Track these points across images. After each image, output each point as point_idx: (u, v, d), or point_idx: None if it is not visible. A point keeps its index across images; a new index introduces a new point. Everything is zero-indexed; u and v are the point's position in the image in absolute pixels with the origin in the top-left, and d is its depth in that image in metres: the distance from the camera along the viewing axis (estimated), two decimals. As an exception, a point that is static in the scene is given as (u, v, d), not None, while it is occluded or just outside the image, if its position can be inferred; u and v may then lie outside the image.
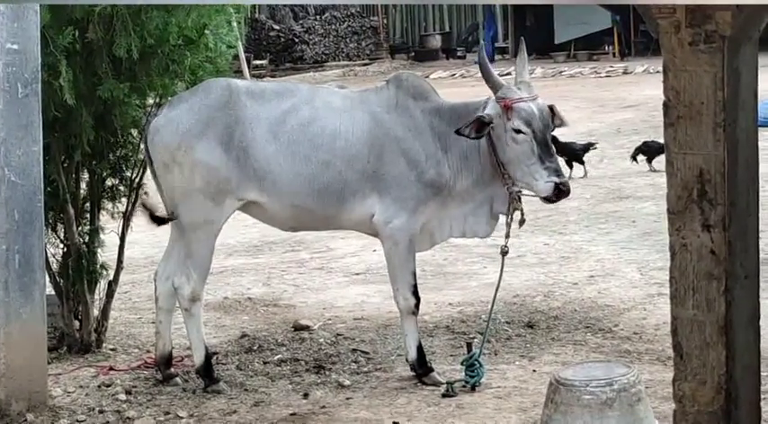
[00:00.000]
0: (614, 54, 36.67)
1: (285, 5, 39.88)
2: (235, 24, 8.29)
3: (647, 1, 3.21)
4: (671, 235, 3.36)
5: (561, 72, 33.14)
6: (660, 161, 13.34)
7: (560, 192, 6.63)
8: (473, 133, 6.66)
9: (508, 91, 6.72)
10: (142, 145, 7.63)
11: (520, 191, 6.81)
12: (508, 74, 33.52)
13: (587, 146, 14.93)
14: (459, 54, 42.70)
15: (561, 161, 13.39)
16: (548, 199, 6.69)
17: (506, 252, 6.98)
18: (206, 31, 7.55)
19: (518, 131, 6.64)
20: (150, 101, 7.76)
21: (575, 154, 14.66)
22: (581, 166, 14.75)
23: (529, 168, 6.66)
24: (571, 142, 14.68)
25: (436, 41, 43.05)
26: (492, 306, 7.12)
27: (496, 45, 41.34)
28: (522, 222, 6.93)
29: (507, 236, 6.95)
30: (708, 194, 3.23)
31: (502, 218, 7.06)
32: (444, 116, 6.91)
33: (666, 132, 3.31)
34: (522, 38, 7.13)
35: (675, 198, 3.31)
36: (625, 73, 31.19)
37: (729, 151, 3.18)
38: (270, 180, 6.86)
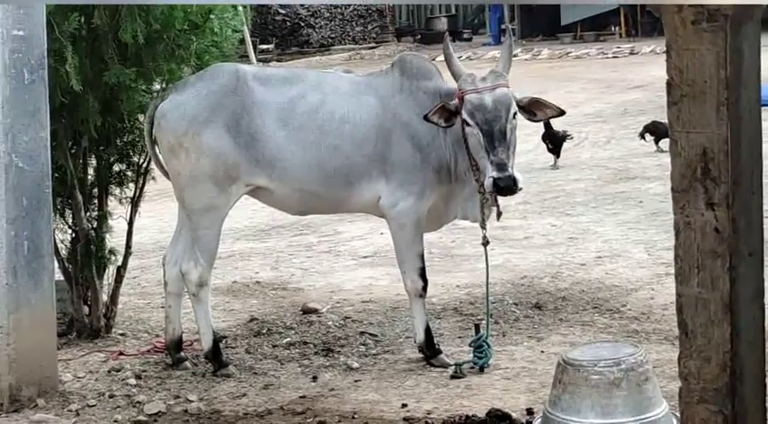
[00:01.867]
0: (621, 34, 36.63)
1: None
2: (240, 9, 8.28)
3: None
4: (675, 214, 3.36)
5: (568, 53, 33.13)
6: (667, 141, 13.36)
7: (498, 189, 6.50)
8: (441, 121, 6.66)
9: (464, 81, 6.66)
10: (145, 128, 7.67)
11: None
12: (515, 55, 33.57)
13: (565, 136, 14.76)
14: (465, 36, 42.66)
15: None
16: (493, 193, 6.62)
17: (487, 243, 6.95)
18: (211, 16, 7.54)
19: (467, 123, 6.63)
20: (156, 86, 7.76)
21: (558, 141, 14.61)
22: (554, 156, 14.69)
23: (480, 161, 6.63)
24: (556, 130, 14.61)
25: (442, 24, 42.98)
26: (487, 299, 7.11)
27: (503, 27, 41.26)
28: (498, 215, 6.88)
29: (483, 227, 6.90)
30: (711, 172, 3.24)
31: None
32: (445, 98, 6.90)
33: (670, 111, 3.31)
34: (510, 27, 7.03)
35: (679, 177, 3.32)
36: (632, 53, 31.17)
37: (733, 130, 3.19)
38: (279, 165, 6.87)
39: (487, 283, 7.08)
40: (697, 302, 3.33)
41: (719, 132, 3.17)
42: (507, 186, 6.47)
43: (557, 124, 14.25)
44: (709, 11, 3.09)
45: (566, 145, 14.78)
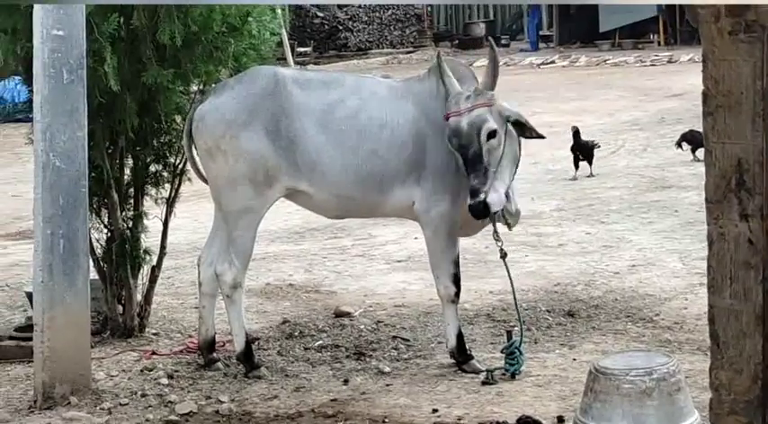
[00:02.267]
0: (659, 43, 36.47)
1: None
2: (279, 11, 8.31)
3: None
4: (709, 224, 3.35)
5: (606, 60, 33.02)
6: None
7: (472, 214, 6.60)
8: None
9: (449, 101, 6.70)
10: (185, 130, 7.69)
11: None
12: (552, 62, 33.53)
13: (594, 145, 14.62)
14: (503, 42, 42.56)
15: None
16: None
17: (505, 255, 6.96)
18: (249, 18, 7.57)
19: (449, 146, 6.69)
20: (194, 87, 7.80)
21: (588, 152, 14.44)
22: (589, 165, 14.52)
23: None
24: (585, 141, 14.49)
25: (480, 29, 42.92)
26: (517, 308, 7.11)
27: (541, 33, 41.20)
28: (508, 226, 6.96)
29: (496, 239, 6.88)
30: (746, 183, 3.22)
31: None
32: None
33: (705, 121, 3.30)
34: (492, 39, 6.92)
35: (714, 188, 3.31)
36: (670, 62, 31.03)
37: (768, 141, 3.18)
38: (318, 169, 6.88)
39: (514, 292, 7.06)
40: (729, 313, 3.32)
41: (755, 143, 3.16)
42: (477, 212, 6.56)
43: (587, 133, 14.25)
44: (747, 22, 3.08)
45: (600, 153, 14.73)
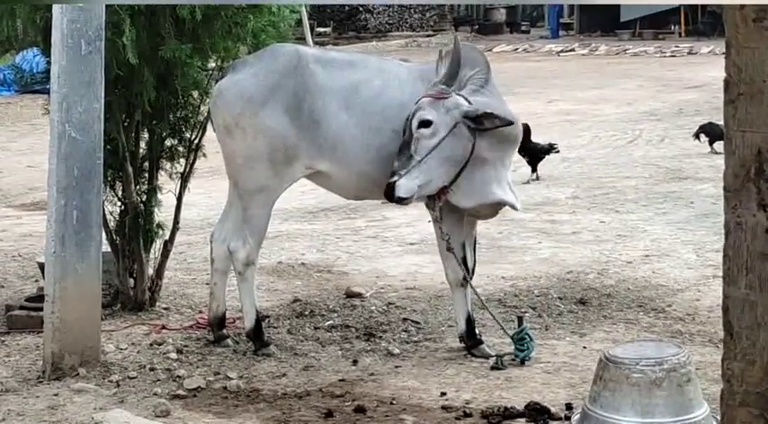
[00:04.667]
0: (680, 34, 36.39)
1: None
2: (300, -10, 8.28)
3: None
4: (726, 214, 3.32)
5: (626, 50, 32.97)
6: (722, 143, 13.23)
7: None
8: None
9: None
10: (204, 108, 7.68)
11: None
12: (572, 50, 33.46)
13: (549, 148, 13.46)
14: (523, 28, 42.54)
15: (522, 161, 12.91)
16: None
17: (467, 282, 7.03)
18: (269, -5, 7.55)
19: None
20: (212, 63, 7.78)
21: (534, 154, 13.25)
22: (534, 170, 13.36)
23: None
24: (535, 143, 13.29)
25: (501, 15, 42.90)
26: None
27: (562, 21, 41.15)
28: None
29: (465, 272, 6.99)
30: (765, 173, 3.18)
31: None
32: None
33: (726, 109, 3.27)
34: (456, 34, 6.88)
35: (732, 177, 3.27)
36: (690, 53, 30.97)
37: (790, 131, 3.15)
38: (341, 149, 6.86)
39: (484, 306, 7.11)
40: (744, 303, 3.29)
41: (776, 133, 3.13)
42: (385, 193, 6.63)
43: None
44: (772, 9, 3.05)
45: (618, 142, 14.56)
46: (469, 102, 6.63)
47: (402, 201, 6.69)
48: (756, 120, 3.17)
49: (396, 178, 6.54)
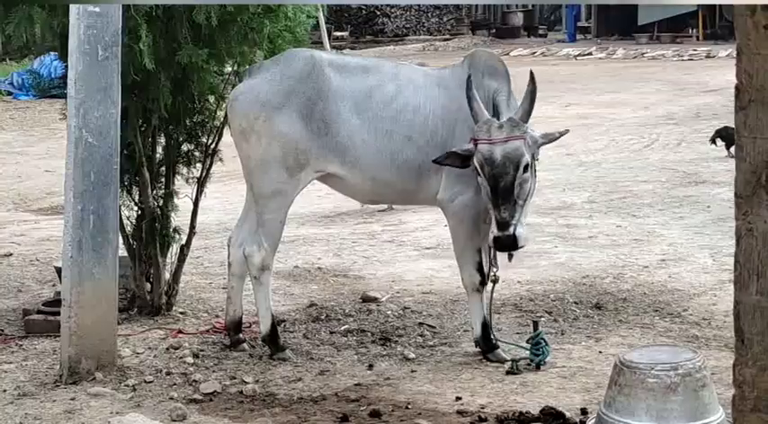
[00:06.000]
0: (698, 37, 36.31)
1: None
2: (317, -5, 8.29)
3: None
4: (737, 220, 3.32)
5: (643, 53, 32.92)
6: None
7: (498, 247, 6.56)
8: (457, 162, 6.62)
9: (479, 128, 6.55)
10: (221, 113, 7.71)
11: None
12: (589, 54, 33.42)
13: None
14: (540, 32, 42.49)
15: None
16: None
17: (496, 281, 6.98)
18: (285, 0, 7.57)
19: (477, 172, 6.58)
20: (228, 68, 7.81)
21: None
22: None
23: (489, 210, 6.61)
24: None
25: (518, 19, 42.86)
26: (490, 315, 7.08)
27: (579, 24, 41.10)
28: (509, 257, 6.83)
29: (493, 265, 6.95)
30: (776, 179, 3.20)
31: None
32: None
33: (737, 116, 3.27)
34: (532, 71, 6.77)
35: (744, 183, 3.27)
36: (708, 57, 30.90)
37: (800, 137, 3.15)
38: (352, 153, 6.88)
39: (490, 310, 7.09)
40: (755, 309, 3.29)
41: (787, 139, 3.13)
42: (506, 245, 6.51)
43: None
44: (783, 16, 3.05)
45: (635, 146, 14.53)
46: (533, 131, 6.63)
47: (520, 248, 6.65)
48: (767, 127, 3.18)
49: (512, 229, 6.42)
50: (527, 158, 6.48)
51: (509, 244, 6.48)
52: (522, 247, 6.58)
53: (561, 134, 6.77)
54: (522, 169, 6.46)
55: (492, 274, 6.93)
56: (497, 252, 6.80)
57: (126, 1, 6.90)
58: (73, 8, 6.58)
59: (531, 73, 6.60)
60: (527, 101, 6.57)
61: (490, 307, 7.03)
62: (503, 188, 6.44)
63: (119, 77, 6.71)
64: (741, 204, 3.28)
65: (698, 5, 34.69)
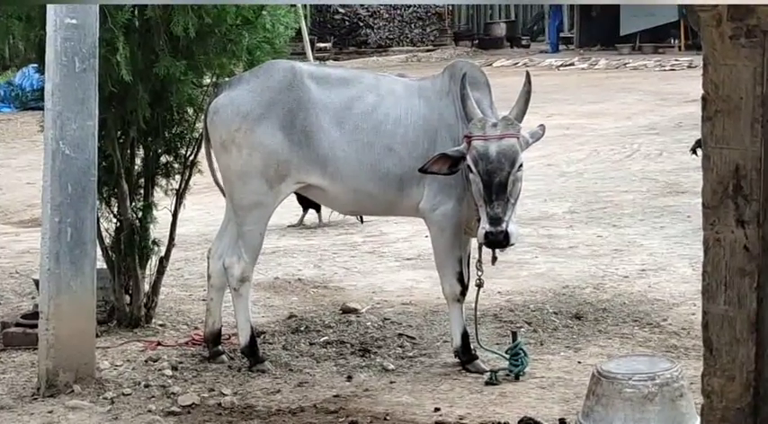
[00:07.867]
0: (680, 47, 36.42)
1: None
2: (299, 6, 8.29)
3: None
4: (705, 230, 3.34)
5: (625, 64, 33.01)
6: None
7: (488, 242, 6.52)
8: (444, 169, 6.62)
9: (474, 125, 6.57)
10: (199, 125, 7.70)
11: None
12: (572, 64, 33.49)
13: None
14: (523, 43, 42.57)
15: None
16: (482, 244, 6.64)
17: (480, 285, 6.96)
18: (263, 12, 7.58)
19: (470, 169, 6.57)
20: (207, 80, 7.81)
21: None
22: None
23: (479, 207, 6.59)
24: None
25: (501, 29, 42.94)
26: (477, 332, 7.10)
27: (561, 35, 41.18)
28: (493, 259, 6.88)
29: (479, 268, 6.93)
30: (743, 189, 3.20)
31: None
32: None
33: (704, 126, 3.29)
34: (528, 73, 6.76)
35: (711, 193, 3.29)
36: (690, 67, 30.94)
37: (766, 147, 3.16)
38: (333, 164, 6.88)
39: (477, 324, 7.10)
40: (723, 319, 3.30)
41: (753, 149, 3.14)
42: (497, 241, 6.49)
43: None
44: (748, 26, 3.06)
45: (616, 157, 14.57)
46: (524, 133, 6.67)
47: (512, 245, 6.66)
48: (734, 137, 3.19)
49: (504, 225, 6.44)
50: (522, 157, 6.54)
51: (501, 240, 6.48)
52: (512, 244, 6.58)
53: (543, 129, 6.81)
54: (516, 166, 6.50)
55: (477, 278, 6.92)
56: (481, 256, 6.80)
57: (122, 1, 6.89)
58: (50, 20, 6.57)
59: (528, 74, 6.69)
60: (522, 101, 6.64)
61: (475, 311, 7.02)
62: (497, 184, 6.46)
63: (96, 89, 6.71)
64: (708, 214, 3.30)
65: (680, 15, 34.77)
